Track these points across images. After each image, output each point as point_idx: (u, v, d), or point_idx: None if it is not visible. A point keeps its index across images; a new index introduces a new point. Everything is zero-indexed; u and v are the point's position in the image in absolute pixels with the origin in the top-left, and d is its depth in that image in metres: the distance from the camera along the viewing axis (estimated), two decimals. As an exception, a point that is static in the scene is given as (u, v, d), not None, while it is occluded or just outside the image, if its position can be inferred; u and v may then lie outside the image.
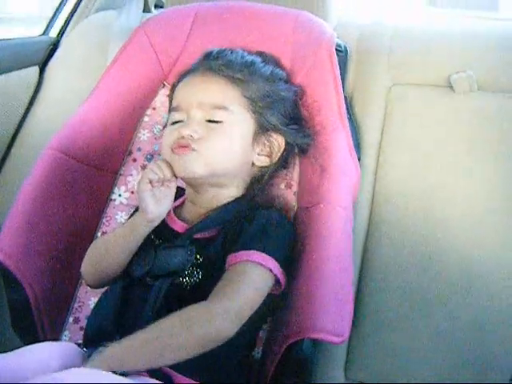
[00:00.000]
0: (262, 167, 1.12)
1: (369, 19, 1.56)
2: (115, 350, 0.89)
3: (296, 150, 1.18)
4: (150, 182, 1.03)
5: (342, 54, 1.31)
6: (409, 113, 1.37)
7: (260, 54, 1.19)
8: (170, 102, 1.16)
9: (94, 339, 1.00)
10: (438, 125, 1.34)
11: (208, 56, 1.14)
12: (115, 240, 1.08)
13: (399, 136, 1.35)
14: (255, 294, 0.96)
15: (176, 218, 1.09)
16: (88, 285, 1.16)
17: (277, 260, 0.98)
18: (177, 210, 1.13)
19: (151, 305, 0.98)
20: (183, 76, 1.14)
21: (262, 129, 1.09)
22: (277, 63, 1.21)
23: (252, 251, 0.98)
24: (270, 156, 1.11)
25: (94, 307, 1.11)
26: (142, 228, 1.05)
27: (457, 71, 1.34)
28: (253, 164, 1.11)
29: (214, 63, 1.10)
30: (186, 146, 1.04)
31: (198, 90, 1.08)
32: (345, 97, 1.20)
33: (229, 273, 0.97)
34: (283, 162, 1.15)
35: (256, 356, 1.11)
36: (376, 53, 1.41)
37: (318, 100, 1.17)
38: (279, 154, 1.12)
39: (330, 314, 0.94)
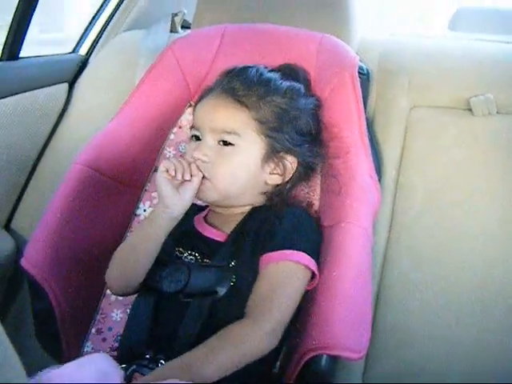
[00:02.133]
0: (274, 185, 1.14)
1: (390, 40, 1.58)
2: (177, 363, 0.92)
3: (319, 170, 1.20)
4: (167, 171, 1.05)
5: (364, 76, 1.33)
6: (428, 135, 1.38)
7: (282, 68, 1.21)
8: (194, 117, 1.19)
9: (128, 355, 1.01)
10: (457, 147, 1.36)
11: (227, 74, 1.17)
12: (136, 242, 1.09)
13: (419, 158, 1.37)
14: (297, 297, 1.00)
15: (212, 228, 1.12)
16: (113, 292, 1.17)
17: (310, 255, 1.01)
18: (206, 218, 1.16)
19: (192, 323, 0.99)
20: (203, 95, 1.18)
21: (274, 150, 1.11)
22: (300, 71, 1.23)
23: (289, 250, 1.01)
24: (282, 174, 1.13)
25: (126, 324, 1.13)
26: (162, 218, 1.05)
27: (476, 94, 1.36)
28: (266, 183, 1.13)
29: (230, 85, 1.12)
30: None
31: (209, 115, 1.11)
32: (366, 118, 1.22)
33: (268, 275, 1.00)
34: (302, 176, 1.16)
35: (274, 370, 1.12)
36: (396, 75, 1.44)
37: (340, 122, 1.18)
38: (292, 173, 1.13)
39: (348, 330, 0.95)
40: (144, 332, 1.03)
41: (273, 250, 1.01)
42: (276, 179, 1.13)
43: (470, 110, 1.36)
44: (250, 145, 1.09)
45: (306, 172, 1.16)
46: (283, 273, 1.00)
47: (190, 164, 1.07)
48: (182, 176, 1.05)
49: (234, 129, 1.08)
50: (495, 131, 1.35)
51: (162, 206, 1.06)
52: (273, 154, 1.11)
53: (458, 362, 1.25)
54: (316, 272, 1.02)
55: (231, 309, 1.01)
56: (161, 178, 1.06)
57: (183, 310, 1.02)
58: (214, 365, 0.91)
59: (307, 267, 1.02)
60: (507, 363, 1.24)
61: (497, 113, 1.35)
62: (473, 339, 1.26)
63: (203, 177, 1.07)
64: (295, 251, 1.01)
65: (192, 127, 1.15)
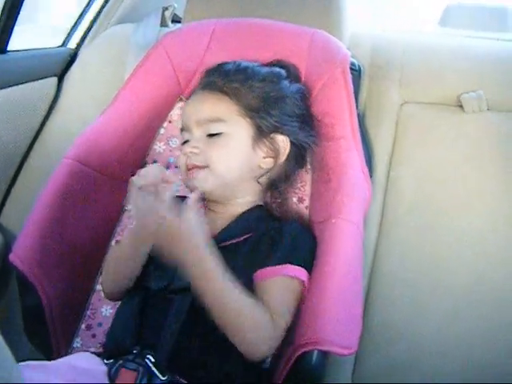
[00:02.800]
0: (268, 169, 1.14)
1: (381, 36, 1.59)
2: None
3: (308, 159, 1.20)
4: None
5: (355, 72, 1.33)
6: (419, 131, 1.39)
7: (272, 64, 1.23)
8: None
9: (114, 352, 1.01)
10: (448, 143, 1.37)
11: (207, 73, 1.20)
12: (124, 250, 1.09)
13: (409, 153, 1.38)
14: (293, 310, 1.00)
15: None
16: (108, 298, 1.17)
17: (307, 271, 1.02)
18: None
19: (174, 318, 0.99)
20: (188, 98, 1.21)
21: (262, 132, 1.12)
22: (290, 67, 1.24)
23: (289, 266, 1.01)
24: (275, 157, 1.13)
25: (113, 320, 1.13)
26: (141, 239, 1.05)
27: (467, 91, 1.36)
28: (260, 167, 1.13)
29: (209, 80, 1.16)
30: (193, 168, 1.09)
31: (194, 109, 1.14)
32: (357, 114, 1.22)
33: (271, 287, 1.00)
34: (297, 161, 1.17)
35: (265, 366, 1.12)
36: (387, 70, 1.44)
37: (332, 118, 1.18)
38: (286, 154, 1.14)
39: (339, 326, 0.95)
40: (131, 328, 1.03)
41: (272, 265, 1.01)
42: (269, 162, 1.14)
43: (461, 106, 1.37)
44: (237, 129, 1.11)
45: (299, 153, 1.16)
46: (283, 287, 1.00)
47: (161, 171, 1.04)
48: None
49: (218, 116, 1.10)
50: (486, 128, 1.36)
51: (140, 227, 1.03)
52: (262, 135, 1.12)
53: (449, 359, 1.26)
54: (306, 284, 1.02)
55: None
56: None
57: (168, 307, 1.01)
58: (223, 292, 0.94)
59: (302, 281, 1.02)
60: (497, 360, 1.25)
61: (487, 110, 1.36)
62: (463, 336, 1.27)
63: (198, 167, 1.08)
64: (293, 266, 1.01)
65: (181, 130, 1.18)
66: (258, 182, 1.15)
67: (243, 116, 1.11)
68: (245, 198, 1.13)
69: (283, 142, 1.13)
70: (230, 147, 1.10)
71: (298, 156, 1.17)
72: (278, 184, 1.17)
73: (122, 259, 1.10)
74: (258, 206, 1.14)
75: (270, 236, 1.06)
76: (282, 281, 1.01)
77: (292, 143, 1.14)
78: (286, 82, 1.17)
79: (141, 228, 1.02)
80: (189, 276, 0.95)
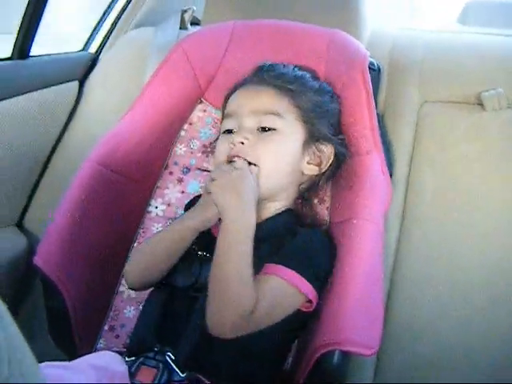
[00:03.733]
0: (310, 176, 1.14)
1: (400, 34, 1.58)
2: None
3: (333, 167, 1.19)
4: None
5: (375, 72, 1.33)
6: (439, 130, 1.38)
7: (311, 70, 1.22)
8: (223, 112, 1.19)
9: (136, 350, 1.02)
10: (469, 142, 1.35)
11: (261, 68, 1.18)
12: (162, 242, 1.09)
13: (430, 153, 1.37)
14: (272, 307, 0.96)
15: None
16: (130, 286, 1.18)
17: (308, 279, 0.99)
18: None
19: (199, 317, 0.98)
20: (237, 87, 1.17)
21: (312, 138, 1.11)
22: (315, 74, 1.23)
23: (282, 267, 0.98)
24: (319, 165, 1.13)
25: (138, 318, 1.14)
26: (196, 226, 1.05)
27: (487, 89, 1.35)
28: (302, 173, 1.13)
29: (267, 75, 1.13)
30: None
31: (251, 99, 1.11)
32: (377, 114, 1.21)
33: (257, 280, 0.97)
34: (331, 172, 1.16)
35: (286, 367, 1.12)
36: (407, 69, 1.43)
37: (351, 118, 1.18)
38: (329, 163, 1.13)
39: (360, 326, 0.95)
40: (153, 325, 1.04)
41: (275, 263, 0.99)
42: (312, 169, 1.13)
43: (481, 104, 1.36)
44: (292, 129, 1.09)
45: (337, 165, 1.15)
46: (273, 287, 0.97)
47: None
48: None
49: (277, 110, 1.08)
50: (506, 125, 1.34)
51: (204, 216, 1.05)
52: (312, 141, 1.11)
53: (472, 358, 1.25)
54: (309, 295, 0.99)
55: None
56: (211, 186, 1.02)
57: (193, 305, 1.02)
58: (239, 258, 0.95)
59: (299, 290, 0.99)
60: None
61: (507, 107, 1.35)
62: (485, 334, 1.26)
63: (249, 163, 1.05)
64: (289, 269, 0.98)
65: (223, 118, 1.15)
66: (299, 189, 1.14)
67: (299, 119, 1.10)
68: (280, 202, 1.12)
69: (329, 152, 1.13)
70: (283, 147, 1.08)
71: (336, 166, 1.16)
72: (310, 191, 1.16)
73: (157, 252, 1.09)
74: (288, 211, 1.13)
75: (285, 237, 1.05)
76: (271, 280, 0.98)
77: (335, 154, 1.14)
78: (330, 100, 1.17)
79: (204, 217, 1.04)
80: (222, 229, 0.96)
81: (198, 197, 1.13)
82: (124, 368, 0.98)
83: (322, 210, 1.22)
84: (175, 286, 1.07)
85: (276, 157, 1.07)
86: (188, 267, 1.07)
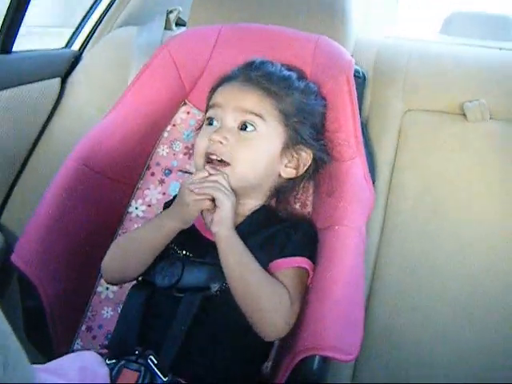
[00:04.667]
0: (287, 179, 1.14)
1: (385, 42, 1.59)
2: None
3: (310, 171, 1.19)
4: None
5: (359, 79, 1.33)
6: (422, 138, 1.39)
7: (295, 69, 1.21)
8: (208, 104, 1.17)
9: (117, 352, 1.01)
10: (450, 151, 1.37)
11: (250, 65, 1.16)
12: (141, 237, 1.10)
13: (412, 160, 1.38)
14: (300, 292, 1.03)
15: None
16: (107, 281, 1.18)
17: (308, 256, 1.05)
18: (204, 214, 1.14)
19: (183, 318, 0.99)
20: (223, 80, 1.16)
21: (292, 142, 1.10)
22: (303, 74, 1.24)
23: (298, 258, 1.04)
24: (296, 168, 1.13)
25: (119, 318, 1.12)
26: (175, 226, 1.06)
27: (470, 99, 1.37)
28: (279, 175, 1.13)
29: (254, 74, 1.12)
30: (217, 160, 1.06)
31: (235, 96, 1.10)
32: (361, 121, 1.22)
33: (286, 276, 1.02)
34: (310, 174, 1.16)
35: (265, 371, 1.12)
36: (391, 78, 1.45)
37: (336, 125, 1.18)
38: (306, 167, 1.13)
39: (340, 332, 0.95)
40: (135, 327, 1.03)
41: (287, 257, 1.03)
42: (290, 172, 1.13)
43: (464, 114, 1.37)
44: (272, 132, 1.09)
45: (315, 169, 1.16)
46: (296, 276, 1.02)
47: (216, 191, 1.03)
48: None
49: (260, 112, 1.07)
50: (488, 136, 1.36)
51: (181, 217, 1.05)
52: (291, 145, 1.11)
53: (449, 365, 1.26)
54: (311, 271, 1.05)
55: (224, 308, 1.01)
56: (186, 188, 1.03)
57: (175, 306, 1.01)
58: (249, 267, 0.99)
59: (306, 270, 1.04)
60: (498, 367, 1.25)
61: (490, 118, 1.37)
62: (464, 342, 1.27)
63: (221, 160, 1.06)
64: (303, 258, 1.04)
65: (208, 109, 1.14)
66: (274, 189, 1.14)
67: (280, 122, 1.09)
68: (254, 201, 1.13)
69: (307, 156, 1.13)
70: (260, 150, 1.08)
71: (314, 170, 1.16)
72: (283, 193, 1.17)
73: (137, 248, 1.09)
74: (264, 207, 1.14)
75: (285, 232, 1.07)
76: (294, 271, 1.03)
77: (314, 158, 1.14)
78: (315, 99, 1.17)
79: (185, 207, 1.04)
80: (220, 249, 0.99)
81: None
82: (105, 370, 0.97)
83: (303, 214, 1.22)
84: (155, 285, 1.06)
85: (252, 159, 1.07)
86: (169, 267, 1.06)
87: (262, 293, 0.97)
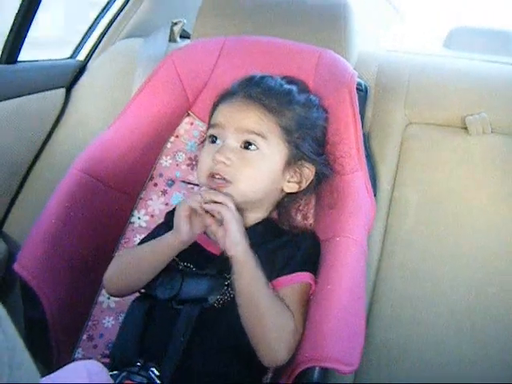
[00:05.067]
0: (290, 193, 1.14)
1: (387, 56, 1.60)
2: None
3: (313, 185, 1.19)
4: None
5: (362, 92, 1.34)
6: (423, 152, 1.40)
7: (296, 82, 1.21)
8: (210, 119, 1.18)
9: (119, 362, 1.02)
10: (452, 164, 1.37)
11: (249, 82, 1.16)
12: (143, 254, 1.11)
13: (413, 173, 1.38)
14: (303, 309, 1.03)
15: (211, 240, 1.10)
16: (110, 294, 1.19)
17: (310, 270, 1.06)
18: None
19: (182, 330, 0.99)
20: (224, 97, 1.16)
21: (294, 158, 1.11)
22: (304, 86, 1.24)
23: (304, 273, 1.05)
24: (299, 183, 1.13)
25: (120, 330, 1.13)
26: (175, 246, 1.06)
27: (471, 113, 1.38)
28: (282, 190, 1.13)
29: (254, 91, 1.12)
30: (220, 179, 1.06)
31: (236, 115, 1.10)
32: (363, 134, 1.22)
33: (289, 294, 1.02)
34: (311, 189, 1.16)
35: (265, 381, 1.12)
36: (393, 91, 1.45)
37: (338, 138, 1.18)
38: (308, 182, 1.13)
39: (341, 343, 0.95)
40: (136, 339, 1.04)
41: (290, 273, 1.04)
42: (293, 187, 1.13)
43: (466, 128, 1.38)
44: (274, 150, 1.09)
45: (317, 182, 1.16)
46: (299, 293, 1.03)
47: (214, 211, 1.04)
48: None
49: (261, 131, 1.07)
50: (490, 150, 1.37)
51: (178, 238, 1.05)
52: (294, 161, 1.11)
53: (450, 376, 1.26)
54: (313, 286, 1.05)
55: (224, 319, 1.02)
56: (183, 218, 1.04)
57: (175, 318, 1.02)
58: (260, 290, 0.99)
59: (309, 283, 1.05)
60: (501, 379, 1.25)
61: (491, 132, 1.37)
62: (465, 354, 1.27)
63: (224, 179, 1.06)
64: (306, 273, 1.05)
65: (209, 127, 1.15)
66: (277, 203, 1.15)
67: (282, 139, 1.09)
68: (257, 214, 1.13)
69: (309, 171, 1.13)
70: (263, 168, 1.08)
71: (316, 184, 1.16)
72: (286, 206, 1.17)
73: (138, 264, 1.10)
74: (266, 220, 1.14)
75: (289, 246, 1.08)
76: (298, 287, 1.03)
77: (316, 173, 1.14)
78: (317, 112, 1.17)
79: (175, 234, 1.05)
80: (236, 271, 0.99)
81: None
82: (109, 380, 0.97)
83: (306, 227, 1.22)
84: (156, 297, 1.07)
85: (255, 177, 1.08)
86: (169, 279, 1.07)
87: (267, 320, 0.97)
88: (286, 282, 1.03)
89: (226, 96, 1.16)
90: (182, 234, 1.03)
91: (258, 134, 1.07)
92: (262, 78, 1.17)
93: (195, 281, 1.05)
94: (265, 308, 0.97)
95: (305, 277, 1.04)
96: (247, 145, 1.07)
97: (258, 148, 1.07)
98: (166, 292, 1.05)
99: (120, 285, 1.13)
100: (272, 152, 1.08)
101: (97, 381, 0.93)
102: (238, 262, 0.99)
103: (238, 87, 1.16)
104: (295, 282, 1.03)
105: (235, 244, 0.99)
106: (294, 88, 1.16)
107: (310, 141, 1.13)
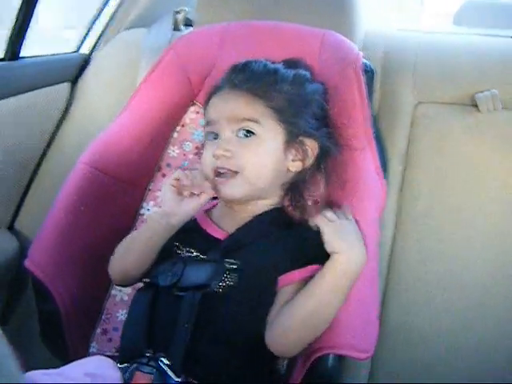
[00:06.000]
0: (297, 172, 1.12)
1: (395, 35, 1.58)
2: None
3: (322, 166, 1.18)
4: (178, 180, 1.07)
5: (368, 74, 1.32)
6: (434, 131, 1.38)
7: (285, 62, 1.19)
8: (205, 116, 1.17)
9: (128, 355, 1.01)
10: (463, 143, 1.36)
11: (234, 70, 1.15)
12: (138, 237, 1.12)
13: (424, 153, 1.37)
14: None
15: (216, 226, 1.10)
16: (115, 283, 1.19)
17: (319, 262, 1.02)
18: (210, 213, 1.14)
19: (186, 317, 0.98)
20: (212, 92, 1.16)
21: (293, 136, 1.09)
22: (301, 65, 1.21)
23: (313, 266, 1.01)
24: (303, 160, 1.11)
25: (125, 321, 1.12)
26: (159, 223, 1.07)
27: (481, 90, 1.36)
28: (288, 170, 1.12)
29: (238, 78, 1.11)
30: (226, 172, 1.06)
31: (225, 106, 1.09)
32: (371, 115, 1.21)
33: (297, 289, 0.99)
34: (318, 165, 1.14)
35: (281, 370, 1.12)
36: (401, 71, 1.44)
37: (345, 119, 1.16)
38: (313, 158, 1.12)
39: (355, 330, 0.95)
40: (143, 329, 1.03)
41: (301, 267, 1.01)
42: (298, 165, 1.11)
43: (476, 105, 1.36)
44: (270, 132, 1.08)
45: (323, 158, 1.14)
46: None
47: (204, 180, 1.07)
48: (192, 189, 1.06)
49: (253, 116, 1.06)
50: (501, 126, 1.35)
51: (162, 211, 1.07)
52: (293, 139, 1.09)
53: (465, 361, 1.25)
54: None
55: (227, 305, 1.00)
56: (167, 184, 1.07)
57: (178, 305, 1.01)
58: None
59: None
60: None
61: (502, 108, 1.35)
62: (480, 337, 1.26)
63: (233, 172, 1.05)
64: (314, 266, 1.01)
65: (206, 125, 1.14)
66: (286, 186, 1.13)
67: (276, 120, 1.08)
68: (267, 201, 1.12)
69: (312, 146, 1.11)
70: (263, 151, 1.07)
71: (321, 160, 1.14)
72: (297, 187, 1.15)
73: (133, 247, 1.11)
74: (277, 209, 1.13)
75: (299, 238, 1.05)
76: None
77: (319, 147, 1.12)
78: (310, 86, 1.15)
79: (160, 217, 1.07)
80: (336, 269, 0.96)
81: None
82: (118, 374, 0.97)
83: (317, 212, 1.20)
84: (158, 285, 1.06)
85: (258, 161, 1.07)
86: (171, 266, 1.06)
87: (322, 322, 0.96)
88: (299, 276, 1.01)
89: (214, 91, 1.15)
90: (165, 203, 1.06)
91: (250, 120, 1.06)
92: (245, 64, 1.15)
93: (197, 267, 1.04)
94: (330, 311, 0.95)
95: (313, 270, 1.00)
96: (243, 133, 1.07)
97: (254, 134, 1.06)
98: (168, 279, 1.04)
99: (121, 271, 1.13)
100: (269, 135, 1.07)
101: (99, 378, 0.94)
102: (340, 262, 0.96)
103: (223, 79, 1.15)
104: (304, 276, 1.00)
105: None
106: (279, 66, 1.15)
107: (307, 117, 1.11)
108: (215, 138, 1.10)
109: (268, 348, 0.98)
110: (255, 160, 1.06)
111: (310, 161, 1.12)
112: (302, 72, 1.16)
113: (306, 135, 1.10)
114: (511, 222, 1.30)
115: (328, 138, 1.12)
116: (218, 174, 1.07)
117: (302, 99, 1.11)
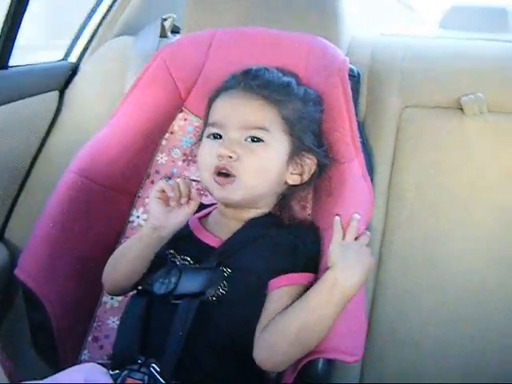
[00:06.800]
0: (292, 185, 1.13)
1: (381, 39, 1.59)
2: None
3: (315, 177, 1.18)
4: (163, 191, 1.07)
5: (354, 78, 1.33)
6: (420, 135, 1.39)
7: (293, 75, 1.20)
8: (207, 115, 1.16)
9: (120, 362, 1.01)
10: (449, 146, 1.37)
11: (247, 74, 1.14)
12: (129, 247, 1.12)
13: (411, 158, 1.38)
14: None
15: (210, 234, 1.11)
16: (108, 292, 1.19)
17: (307, 270, 1.04)
18: (204, 220, 1.15)
19: (181, 325, 0.99)
20: (221, 91, 1.14)
21: (297, 150, 1.10)
22: (287, 73, 1.21)
23: (305, 274, 1.02)
24: (301, 174, 1.12)
25: (118, 327, 1.13)
26: (149, 236, 1.07)
27: (467, 93, 1.36)
28: (285, 182, 1.12)
29: (254, 83, 1.10)
30: (227, 175, 1.05)
31: (237, 111, 1.08)
32: (357, 120, 1.21)
33: (284, 295, 1.00)
34: (312, 180, 1.15)
35: (271, 375, 1.12)
36: (388, 75, 1.44)
37: (331, 125, 1.17)
38: (311, 174, 1.13)
39: (343, 334, 0.95)
40: (135, 336, 1.03)
41: (291, 273, 1.02)
42: (295, 179, 1.12)
43: (462, 109, 1.36)
44: (278, 142, 1.08)
45: (318, 173, 1.14)
46: (294, 295, 1.00)
47: (190, 188, 1.07)
48: (178, 199, 1.06)
49: (264, 125, 1.06)
50: (487, 130, 1.36)
51: (152, 225, 1.07)
52: (296, 153, 1.10)
53: (453, 363, 1.26)
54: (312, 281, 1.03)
55: (222, 313, 1.01)
56: (153, 198, 1.07)
57: (173, 313, 1.01)
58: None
59: (305, 284, 1.02)
60: (503, 363, 1.24)
61: (488, 112, 1.36)
62: (467, 340, 1.27)
63: (230, 175, 1.05)
64: (306, 274, 1.02)
65: (208, 125, 1.13)
66: (279, 196, 1.14)
67: (285, 131, 1.08)
68: (260, 210, 1.12)
69: (311, 163, 1.12)
70: (268, 160, 1.07)
71: (317, 175, 1.15)
72: (289, 198, 1.16)
73: (125, 257, 1.11)
74: (268, 214, 1.13)
75: (290, 243, 1.06)
76: (302, 288, 1.01)
77: (316, 164, 1.13)
78: (314, 106, 1.15)
79: (150, 230, 1.07)
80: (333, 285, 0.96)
81: None
82: (110, 382, 0.97)
83: (304, 217, 1.21)
84: (152, 293, 1.06)
85: (260, 170, 1.07)
86: (166, 274, 1.06)
87: (313, 338, 0.95)
88: (288, 281, 1.01)
89: (223, 90, 1.14)
90: (153, 217, 1.07)
91: (262, 128, 1.06)
92: (259, 70, 1.15)
93: (192, 275, 1.04)
94: (322, 328, 0.95)
95: (308, 277, 1.02)
96: (251, 139, 1.07)
97: (262, 140, 1.07)
98: (163, 287, 1.04)
99: (113, 281, 1.13)
100: (276, 144, 1.08)
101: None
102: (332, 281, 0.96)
103: (236, 81, 1.14)
104: (299, 282, 1.01)
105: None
106: (292, 80, 1.15)
107: (310, 133, 1.12)
108: (216, 137, 1.09)
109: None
110: (258, 167, 1.06)
111: (307, 176, 1.13)
112: (311, 91, 1.17)
113: (309, 151, 1.11)
114: (498, 225, 1.31)
115: (326, 157, 1.13)
116: (218, 173, 1.06)
117: (308, 116, 1.12)
